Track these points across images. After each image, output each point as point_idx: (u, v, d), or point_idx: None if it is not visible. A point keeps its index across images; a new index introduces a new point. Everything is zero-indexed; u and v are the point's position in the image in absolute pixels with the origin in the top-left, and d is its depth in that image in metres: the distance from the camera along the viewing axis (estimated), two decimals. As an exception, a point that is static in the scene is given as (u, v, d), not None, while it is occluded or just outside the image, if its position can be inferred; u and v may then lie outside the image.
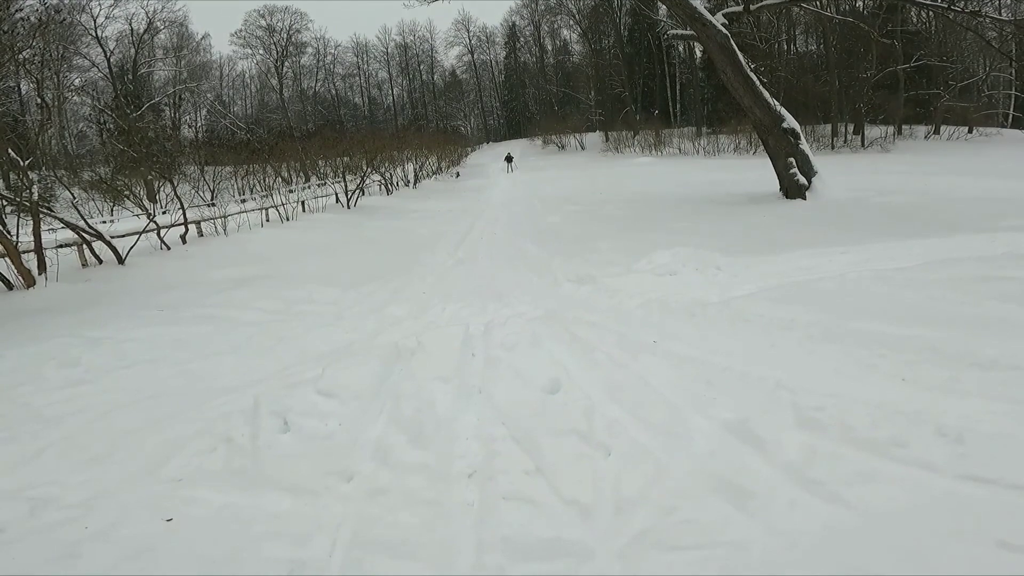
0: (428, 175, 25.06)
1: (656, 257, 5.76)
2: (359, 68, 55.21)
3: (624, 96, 39.74)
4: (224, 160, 20.94)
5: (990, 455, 2.08)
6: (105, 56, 34.37)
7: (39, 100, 19.31)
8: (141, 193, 14.06)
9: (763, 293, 4.36)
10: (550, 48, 53.17)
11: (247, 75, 50.04)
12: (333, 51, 53.01)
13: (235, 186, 19.73)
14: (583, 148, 37.65)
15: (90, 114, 35.12)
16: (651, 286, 4.98)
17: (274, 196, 14.53)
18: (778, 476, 2.16)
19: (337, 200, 15.20)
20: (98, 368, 4.04)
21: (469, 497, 2.25)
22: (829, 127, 26.95)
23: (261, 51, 48.76)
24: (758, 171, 12.07)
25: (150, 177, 15.00)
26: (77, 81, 33.30)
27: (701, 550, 1.84)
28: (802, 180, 10.08)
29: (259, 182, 19.32)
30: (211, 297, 6.14)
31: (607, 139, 37.32)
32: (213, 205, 14.13)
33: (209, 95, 44.58)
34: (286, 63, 49.41)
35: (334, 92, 53.91)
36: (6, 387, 3.73)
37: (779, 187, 10.45)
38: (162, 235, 9.23)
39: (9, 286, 6.57)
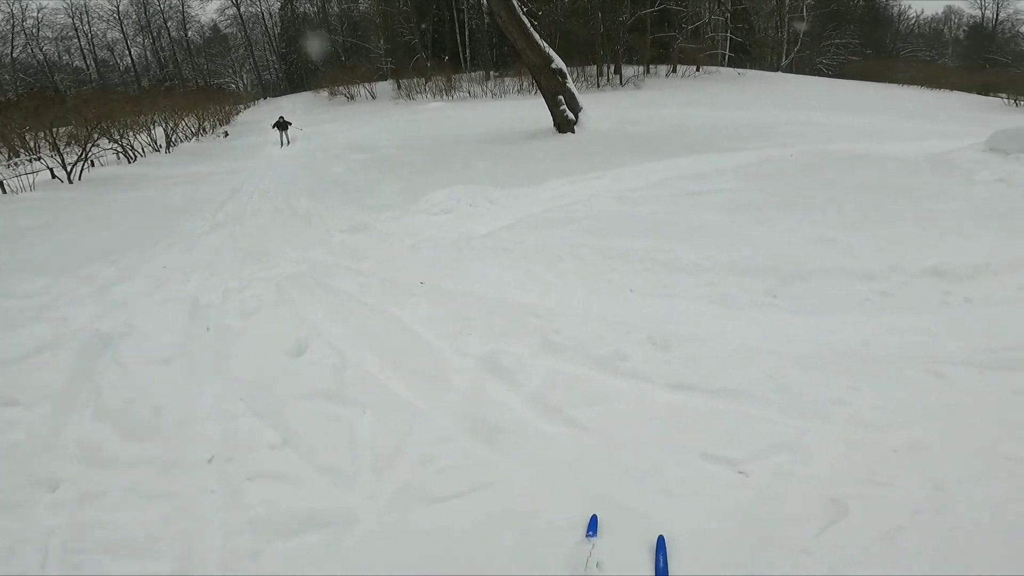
0: (186, 138, 21.33)
1: (432, 197, 5.64)
2: (76, 30, 44.44)
3: (414, 43, 38.40)
4: None
5: (690, 359, 2.33)
6: None
7: None
8: None
9: (525, 221, 4.52)
10: (335, -4, 48.41)
11: None
12: (36, 15, 41.93)
13: None
14: (374, 97, 35.73)
15: None
16: (424, 226, 4.86)
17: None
18: (524, 408, 2.19)
19: (54, 176, 12.07)
20: None
21: (210, 483, 2.01)
22: (595, 67, 29.43)
23: (-87, 20, 36.19)
24: (537, 109, 12.60)
25: None
26: None
27: (462, 497, 1.80)
28: (570, 115, 10.83)
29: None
30: None
31: (399, 87, 35.96)
32: None
33: None
34: (-42, 31, 37.55)
35: (42, 58, 42.99)
36: None
37: (552, 123, 11.08)
38: None
39: None
